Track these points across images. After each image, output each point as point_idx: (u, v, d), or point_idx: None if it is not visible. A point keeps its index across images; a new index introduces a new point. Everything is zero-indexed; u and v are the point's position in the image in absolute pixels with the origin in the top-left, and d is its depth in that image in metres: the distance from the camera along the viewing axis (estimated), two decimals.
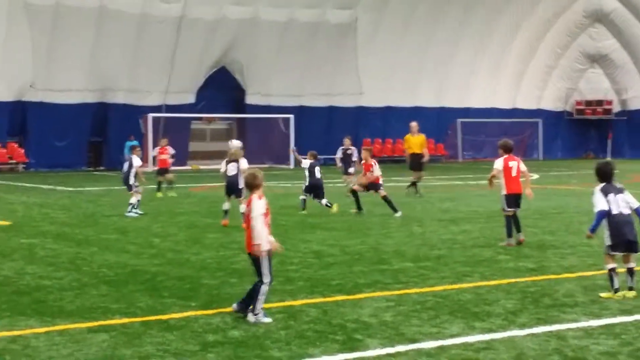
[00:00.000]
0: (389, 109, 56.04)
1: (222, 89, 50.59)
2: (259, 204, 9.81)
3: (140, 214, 21.59)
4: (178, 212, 22.67)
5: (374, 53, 53.87)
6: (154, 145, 45.28)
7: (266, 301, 9.93)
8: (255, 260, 9.85)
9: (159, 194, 28.02)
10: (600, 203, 10.96)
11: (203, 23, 47.50)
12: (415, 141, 28.68)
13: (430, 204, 25.18)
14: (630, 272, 11.09)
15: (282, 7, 49.38)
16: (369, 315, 10.04)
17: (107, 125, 47.60)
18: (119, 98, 47.40)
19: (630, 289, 11.01)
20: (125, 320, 9.80)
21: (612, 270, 10.96)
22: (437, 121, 56.80)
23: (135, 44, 46.35)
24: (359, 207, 22.34)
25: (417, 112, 56.66)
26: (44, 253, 15.18)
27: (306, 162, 23.49)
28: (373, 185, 22.45)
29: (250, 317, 9.66)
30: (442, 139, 57.55)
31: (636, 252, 11.06)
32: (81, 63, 45.21)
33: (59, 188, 32.51)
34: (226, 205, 19.62)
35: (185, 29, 47.10)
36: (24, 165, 45.16)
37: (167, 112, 48.17)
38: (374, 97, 54.72)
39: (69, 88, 45.42)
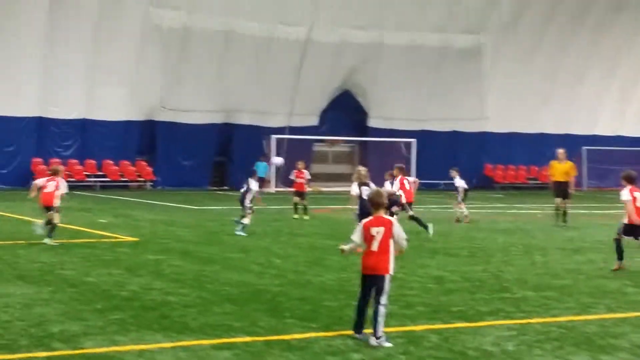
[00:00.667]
0: (513, 134, 55.32)
1: (345, 111, 50.92)
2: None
3: (244, 236, 21.68)
4: (299, 234, 22.88)
5: (499, 78, 53.34)
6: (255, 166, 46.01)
7: (386, 325, 9.93)
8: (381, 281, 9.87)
9: (296, 216, 28.24)
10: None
11: (328, 47, 47.97)
12: (561, 169, 27.62)
13: (554, 232, 24.69)
14: None
15: (407, 31, 49.42)
16: (490, 344, 9.92)
17: (231, 145, 48.50)
18: (244, 119, 48.26)
19: None
20: (248, 338, 9.94)
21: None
22: (563, 148, 55.66)
23: (260, 67, 47.15)
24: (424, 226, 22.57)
25: (541, 139, 55.89)
26: (169, 270, 15.54)
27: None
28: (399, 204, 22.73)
29: (373, 341, 9.65)
30: None
31: None
32: (208, 84, 46.26)
33: (184, 206, 33.25)
34: None
35: (310, 52, 47.65)
36: (152, 183, 46.38)
37: (290, 133, 48.75)
38: (498, 122, 54.11)
39: (196, 109, 46.52)
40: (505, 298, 13.13)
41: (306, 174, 29.31)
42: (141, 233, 21.91)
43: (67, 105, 43.60)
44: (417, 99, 51.65)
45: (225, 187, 47.60)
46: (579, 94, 56.65)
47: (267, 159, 45.62)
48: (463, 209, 28.68)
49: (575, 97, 56.60)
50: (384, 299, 9.82)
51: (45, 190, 19.29)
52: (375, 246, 9.84)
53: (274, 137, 47.03)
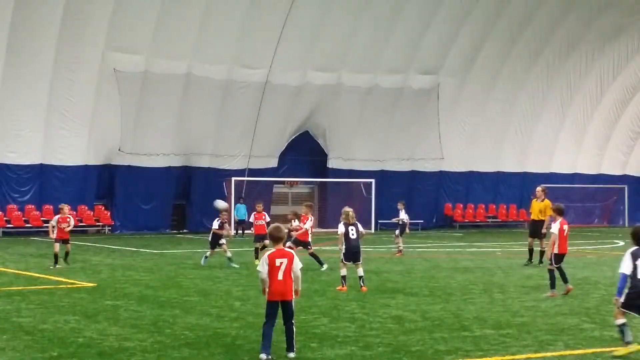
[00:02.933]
0: (471, 173, 55.79)
1: (304, 153, 51.04)
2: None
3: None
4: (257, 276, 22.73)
5: (456, 117, 53.87)
6: (234, 209, 46.05)
7: None
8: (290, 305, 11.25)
9: (257, 262, 28.09)
10: (625, 265, 11.42)
11: (286, 88, 48.15)
12: (537, 207, 27.17)
13: (512, 270, 24.83)
14: None
15: (365, 72, 49.80)
16: None
17: (191, 188, 48.34)
18: (204, 162, 48.17)
19: None
20: None
21: (623, 325, 11.54)
22: (521, 186, 56.31)
23: (220, 109, 47.18)
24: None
25: (499, 177, 56.46)
26: (127, 315, 15.38)
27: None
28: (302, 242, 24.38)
29: (292, 354, 11.18)
30: (525, 205, 56.86)
31: None
32: (167, 128, 46.15)
33: (143, 250, 33.01)
34: (344, 271, 19.71)
35: (269, 94, 47.76)
36: (110, 228, 46.03)
37: (250, 175, 48.74)
38: (456, 161, 54.57)
39: (155, 152, 46.35)
40: (465, 337, 13.15)
41: (265, 216, 29.16)
42: (99, 278, 21.71)
43: (24, 150, 43.23)
44: (376, 139, 51.95)
45: (185, 230, 47.38)
46: (535, 132, 57.39)
47: (243, 200, 45.52)
48: (399, 243, 30.14)
49: (531, 135, 57.33)
50: (293, 319, 11.28)
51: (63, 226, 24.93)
52: (280, 275, 11.06)
53: (233, 179, 46.97)
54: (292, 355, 11.18)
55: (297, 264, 11.25)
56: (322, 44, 47.83)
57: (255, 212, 28.69)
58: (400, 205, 31.79)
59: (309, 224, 24.86)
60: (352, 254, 19.75)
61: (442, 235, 46.13)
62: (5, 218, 43.07)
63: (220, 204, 21.11)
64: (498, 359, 11.36)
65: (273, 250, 11.20)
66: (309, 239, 24.84)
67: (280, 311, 11.22)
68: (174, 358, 11.32)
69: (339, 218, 20.75)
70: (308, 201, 27.38)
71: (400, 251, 30.42)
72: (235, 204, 45.50)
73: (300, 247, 24.05)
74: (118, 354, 11.57)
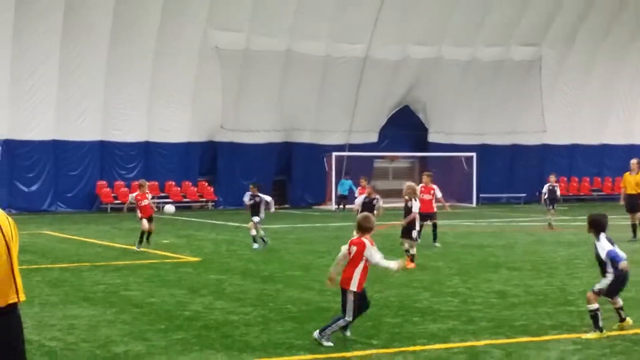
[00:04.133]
0: (574, 146, 54.65)
1: (405, 127, 50.80)
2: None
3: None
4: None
5: (559, 90, 52.82)
6: (336, 184, 46.23)
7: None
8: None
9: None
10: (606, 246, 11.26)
11: (386, 63, 47.97)
12: (632, 180, 26.03)
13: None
14: (621, 308, 11.58)
15: (465, 46, 49.21)
16: (555, 358, 9.79)
17: (291, 164, 48.69)
18: (304, 137, 48.43)
19: (623, 320, 11.51)
20: (309, 356, 9.95)
21: (597, 310, 11.08)
22: (626, 158, 54.80)
23: (319, 85, 47.32)
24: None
25: (604, 150, 55.15)
26: (231, 289, 15.63)
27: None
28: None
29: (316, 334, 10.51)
30: None
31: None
32: (268, 104, 46.55)
33: (245, 225, 33.35)
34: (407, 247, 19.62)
35: (369, 69, 47.70)
36: (213, 203, 46.74)
37: (350, 150, 48.79)
38: (559, 134, 53.52)
39: (257, 128, 46.81)
40: (570, 311, 12.95)
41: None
42: (203, 253, 22.09)
43: (129, 128, 44.20)
44: (477, 113, 51.37)
45: (286, 205, 47.75)
46: None
47: (349, 176, 45.70)
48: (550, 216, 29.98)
49: (636, 107, 55.79)
50: (344, 314, 10.76)
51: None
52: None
53: (334, 154, 47.12)
54: (316, 334, 10.58)
55: (373, 257, 10.87)
56: (420, 17, 47.43)
57: (359, 187, 28.74)
58: (552, 178, 31.46)
59: (438, 193, 24.12)
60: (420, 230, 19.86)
61: (545, 209, 45.38)
62: (113, 194, 44.16)
63: (168, 209, 20.73)
64: (605, 334, 11.15)
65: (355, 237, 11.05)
66: (434, 210, 23.95)
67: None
68: (277, 331, 11.45)
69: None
70: (427, 172, 26.48)
71: (550, 225, 29.88)
72: (339, 179, 45.77)
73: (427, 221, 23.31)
74: (223, 327, 11.77)
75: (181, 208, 44.30)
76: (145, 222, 22.87)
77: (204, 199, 46.69)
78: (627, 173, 26.40)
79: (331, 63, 46.98)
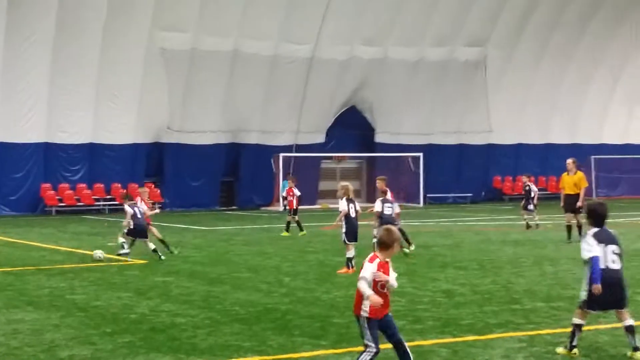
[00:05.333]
0: (520, 146, 55.28)
1: (351, 127, 50.92)
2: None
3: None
4: (308, 251, 22.86)
5: (504, 89, 53.35)
6: (281, 184, 46.21)
7: None
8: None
9: (285, 233, 28.55)
10: (594, 249, 9.75)
11: (333, 63, 48.06)
12: (570, 181, 25.61)
13: (563, 242, 24.60)
14: (630, 329, 9.81)
15: (412, 46, 49.50)
16: (500, 356, 9.89)
17: (239, 165, 48.55)
18: (251, 138, 48.31)
19: (636, 349, 9.74)
20: (258, 358, 9.94)
21: (578, 326, 9.89)
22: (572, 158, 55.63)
23: (267, 85, 47.26)
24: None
25: (549, 149, 55.82)
26: (178, 291, 15.54)
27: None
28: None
29: None
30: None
31: (621, 308, 9.85)
32: (215, 105, 46.35)
33: (192, 227, 33.27)
34: (351, 253, 18.24)
35: (316, 69, 47.76)
36: (160, 205, 46.38)
37: (297, 151, 48.79)
38: (505, 134, 54.09)
39: (203, 129, 46.59)
40: (515, 310, 13.09)
41: (296, 191, 29.68)
42: (150, 255, 21.91)
43: (74, 130, 43.70)
44: (423, 113, 51.69)
45: (234, 207, 47.61)
46: (585, 103, 56.67)
47: (291, 178, 45.64)
48: (531, 216, 30.07)
49: (581, 106, 56.62)
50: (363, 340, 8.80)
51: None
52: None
53: (281, 155, 47.10)
54: None
55: (362, 272, 8.60)
56: (367, 17, 47.62)
57: (287, 188, 29.42)
58: (525, 178, 31.60)
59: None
60: (355, 233, 18.42)
61: (491, 208, 45.87)
62: (57, 197, 43.64)
63: (97, 255, 20.41)
64: (549, 332, 11.30)
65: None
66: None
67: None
68: (225, 333, 11.42)
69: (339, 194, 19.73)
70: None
71: (530, 226, 29.70)
72: (282, 179, 45.70)
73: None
74: (170, 330, 11.70)
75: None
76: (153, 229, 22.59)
77: (151, 201, 46.23)
78: (565, 174, 26.03)
79: (278, 63, 46.93)
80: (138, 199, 23.06)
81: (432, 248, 23.10)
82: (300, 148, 49.09)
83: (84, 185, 44.56)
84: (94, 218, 39.40)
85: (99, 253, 20.84)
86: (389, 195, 21.57)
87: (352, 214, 18.66)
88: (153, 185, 46.60)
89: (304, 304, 13.92)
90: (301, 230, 28.61)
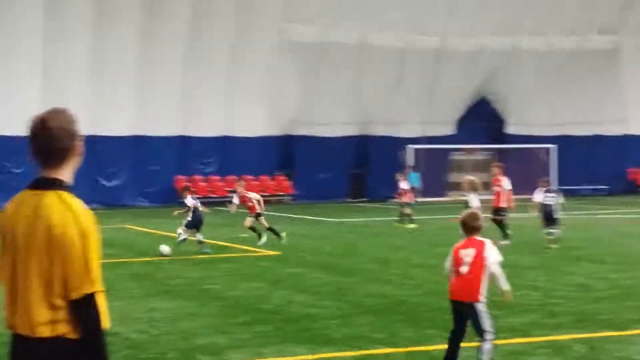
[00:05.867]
0: None
1: (481, 119, 50.32)
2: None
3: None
4: (437, 244, 22.72)
5: (639, 78, 51.69)
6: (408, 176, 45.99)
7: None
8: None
9: (409, 226, 28.45)
10: None
11: (462, 54, 47.60)
12: None
13: None
14: None
15: (542, 35, 48.54)
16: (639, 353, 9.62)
17: (368, 157, 48.65)
18: (380, 130, 48.36)
19: None
20: (389, 350, 9.95)
21: None
22: None
23: (395, 77, 47.20)
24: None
25: None
26: (310, 282, 15.70)
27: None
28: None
29: None
30: None
31: None
32: (344, 97, 46.61)
33: (322, 219, 33.54)
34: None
35: (445, 60, 47.43)
36: (291, 197, 46.96)
37: (426, 143, 48.53)
38: None
39: (332, 121, 46.92)
40: None
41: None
42: (282, 247, 22.21)
43: (207, 123, 44.69)
44: (555, 104, 50.62)
45: (364, 199, 47.72)
46: None
47: (417, 169, 45.54)
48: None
49: None
50: (485, 334, 8.63)
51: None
52: (464, 269, 8.72)
53: (410, 147, 46.95)
54: None
55: (492, 256, 8.78)
56: (496, 7, 46.93)
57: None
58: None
59: (507, 185, 22.57)
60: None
61: (626, 201, 44.58)
62: (192, 189, 44.64)
63: (163, 250, 20.05)
64: None
65: (462, 241, 8.97)
66: (501, 204, 22.46)
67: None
68: (357, 324, 11.48)
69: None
70: (496, 164, 25.21)
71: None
72: (409, 172, 45.53)
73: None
74: (304, 320, 11.84)
75: None
76: (249, 219, 23.22)
77: (281, 193, 46.93)
78: None
79: (406, 55, 46.81)
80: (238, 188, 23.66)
81: (565, 241, 22.63)
82: (429, 140, 48.81)
83: (217, 177, 45.51)
84: (227, 210, 40.09)
85: (165, 248, 20.50)
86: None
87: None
88: (284, 178, 47.19)
89: (435, 296, 13.85)
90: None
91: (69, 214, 4.08)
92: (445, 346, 10.00)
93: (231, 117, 45.03)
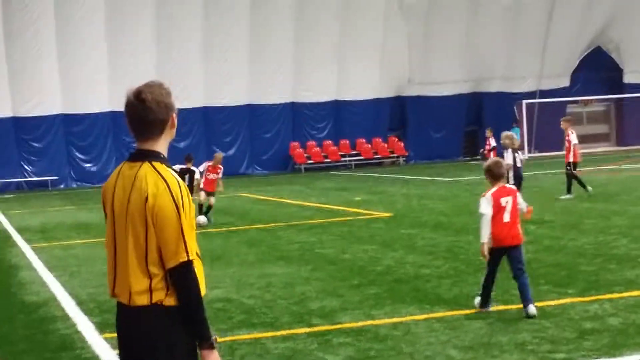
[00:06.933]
0: None
1: (597, 69, 49.03)
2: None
3: None
4: (553, 199, 22.34)
5: None
6: (528, 132, 45.24)
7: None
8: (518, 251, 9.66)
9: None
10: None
11: (576, 3, 46.39)
12: None
13: None
14: None
15: None
16: None
17: (482, 114, 48.05)
18: (493, 86, 47.68)
19: None
20: (502, 307, 9.88)
21: None
22: None
23: (507, 31, 46.40)
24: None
25: None
26: (423, 242, 15.68)
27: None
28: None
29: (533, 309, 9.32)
30: None
31: None
32: (455, 54, 46.12)
33: (436, 179, 33.37)
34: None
35: (558, 10, 46.31)
36: (404, 158, 46.85)
37: (541, 97, 47.61)
38: None
39: (445, 80, 46.49)
40: None
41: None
42: (395, 208, 22.22)
43: (319, 89, 44.90)
44: None
45: (478, 157, 47.19)
46: None
47: (519, 124, 44.84)
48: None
49: None
50: (525, 268, 9.65)
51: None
52: (507, 216, 9.53)
53: (524, 102, 46.13)
54: (532, 310, 9.28)
55: (521, 202, 9.79)
56: None
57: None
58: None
59: (574, 139, 22.66)
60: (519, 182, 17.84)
61: None
62: (305, 155, 45.06)
63: (199, 220, 19.23)
64: None
65: (495, 188, 9.62)
66: (571, 159, 22.40)
67: (506, 262, 9.69)
68: (469, 283, 11.41)
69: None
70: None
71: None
72: (530, 127, 44.90)
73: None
74: (414, 281, 11.85)
75: (373, 165, 44.80)
76: (202, 193, 21.06)
77: (395, 155, 46.86)
78: None
79: (518, 6, 45.89)
80: (208, 164, 21.81)
81: None
82: (544, 93, 47.87)
83: (330, 142, 45.74)
84: (341, 174, 40.36)
85: (202, 218, 20.15)
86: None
87: (518, 164, 18.24)
88: (397, 139, 47.09)
89: (550, 252, 13.66)
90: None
91: (162, 184, 4.19)
92: (562, 300, 9.88)
93: (342, 82, 45.15)
